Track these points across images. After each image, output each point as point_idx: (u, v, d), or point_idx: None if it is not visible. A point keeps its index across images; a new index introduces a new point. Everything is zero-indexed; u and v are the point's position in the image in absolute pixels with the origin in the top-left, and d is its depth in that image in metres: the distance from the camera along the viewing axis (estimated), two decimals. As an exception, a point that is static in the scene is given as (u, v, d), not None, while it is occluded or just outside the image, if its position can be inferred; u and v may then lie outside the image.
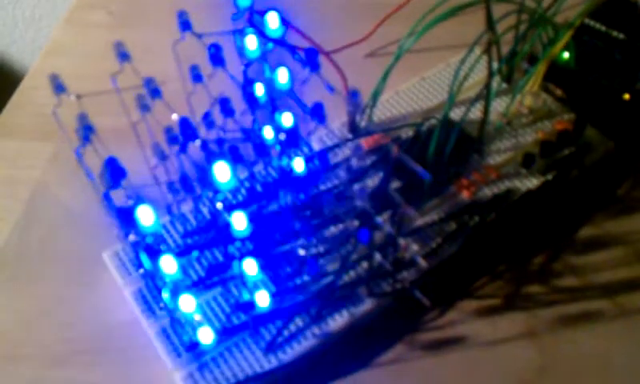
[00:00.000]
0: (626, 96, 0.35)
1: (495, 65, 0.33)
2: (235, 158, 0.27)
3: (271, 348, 0.27)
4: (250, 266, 0.24)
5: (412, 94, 0.37)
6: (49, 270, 0.32)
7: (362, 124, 0.35)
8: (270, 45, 0.25)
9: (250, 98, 0.25)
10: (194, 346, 0.27)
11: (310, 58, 0.25)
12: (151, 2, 0.46)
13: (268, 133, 0.28)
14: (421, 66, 0.37)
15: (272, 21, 0.25)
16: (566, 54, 0.37)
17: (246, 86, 0.25)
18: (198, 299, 0.28)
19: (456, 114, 0.33)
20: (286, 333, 0.28)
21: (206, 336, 0.26)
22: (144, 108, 0.25)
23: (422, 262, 0.26)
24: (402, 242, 0.26)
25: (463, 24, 0.31)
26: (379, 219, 0.26)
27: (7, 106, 0.41)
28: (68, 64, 0.43)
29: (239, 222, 0.23)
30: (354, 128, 0.34)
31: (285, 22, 0.25)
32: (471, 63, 0.31)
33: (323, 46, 0.39)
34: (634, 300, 0.29)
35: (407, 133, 0.34)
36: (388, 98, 0.36)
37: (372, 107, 0.34)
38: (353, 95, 0.24)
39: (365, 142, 0.34)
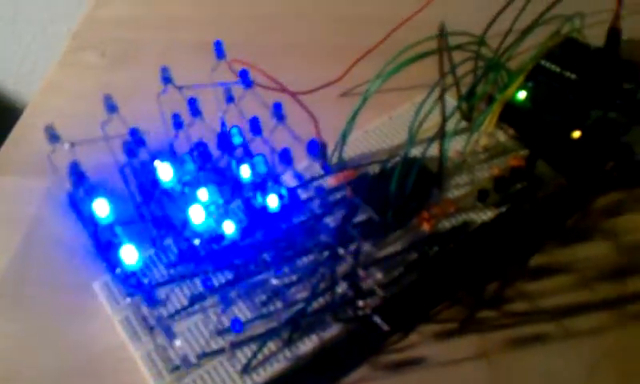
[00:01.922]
0: (576, 134, 0.38)
1: (451, 108, 0.36)
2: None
3: (246, 370, 0.30)
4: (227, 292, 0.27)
5: (380, 132, 0.40)
6: (44, 299, 0.35)
7: (334, 161, 0.37)
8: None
9: (224, 143, 0.28)
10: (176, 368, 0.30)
11: (277, 111, 0.29)
12: (142, 45, 0.50)
13: (244, 173, 0.31)
14: (389, 105, 0.40)
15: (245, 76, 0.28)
16: (522, 95, 0.40)
17: (221, 134, 0.28)
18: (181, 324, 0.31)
19: (420, 152, 0.35)
20: (260, 356, 0.30)
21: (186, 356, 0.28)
22: (130, 154, 0.28)
23: (379, 291, 0.29)
24: (361, 272, 0.29)
25: (429, 66, 0.34)
26: (342, 251, 0.29)
27: (5, 143, 0.44)
28: (63, 103, 0.46)
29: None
30: (325, 165, 0.37)
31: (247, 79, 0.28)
32: (430, 105, 0.34)
33: (301, 87, 0.42)
34: (578, 322, 0.32)
35: (374, 169, 0.37)
36: (358, 136, 0.39)
37: (342, 146, 0.37)
38: (312, 144, 0.27)
39: (335, 179, 0.37)
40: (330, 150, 0.37)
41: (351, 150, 0.39)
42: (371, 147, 0.39)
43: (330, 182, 0.36)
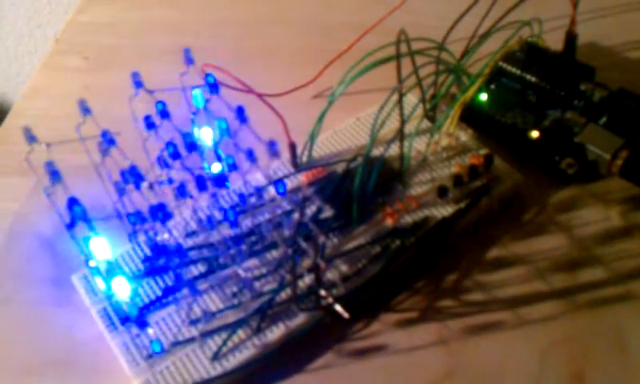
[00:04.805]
0: (534, 134, 0.40)
1: (409, 111, 0.38)
2: (182, 194, 0.31)
3: (217, 357, 0.32)
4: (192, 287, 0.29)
5: (348, 133, 0.41)
6: (26, 292, 0.36)
7: (303, 160, 0.39)
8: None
9: (189, 144, 0.30)
10: (150, 356, 0.31)
11: (240, 114, 0.30)
12: (121, 49, 0.51)
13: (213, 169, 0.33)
14: (357, 107, 0.42)
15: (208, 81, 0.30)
16: (484, 96, 0.42)
17: (185, 135, 0.30)
18: (154, 314, 0.33)
19: (391, 151, 0.37)
20: (230, 343, 0.32)
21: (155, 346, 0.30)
22: (104, 153, 0.29)
23: (340, 283, 0.31)
24: (322, 264, 0.31)
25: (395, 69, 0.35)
26: (304, 245, 0.31)
27: (-10, 144, 0.45)
28: (46, 105, 0.47)
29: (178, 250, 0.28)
30: (296, 163, 0.39)
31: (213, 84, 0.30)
32: (391, 107, 0.36)
33: (275, 90, 0.44)
34: (531, 312, 0.34)
35: (342, 167, 0.39)
36: (327, 136, 0.41)
37: (311, 146, 0.39)
38: (271, 144, 0.29)
39: (305, 176, 0.38)
40: (300, 149, 0.39)
41: (321, 150, 0.40)
42: (339, 147, 0.41)
43: (299, 179, 0.38)
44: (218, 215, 0.33)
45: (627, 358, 0.32)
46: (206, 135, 0.31)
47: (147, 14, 0.55)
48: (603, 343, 0.33)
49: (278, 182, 0.31)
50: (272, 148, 0.28)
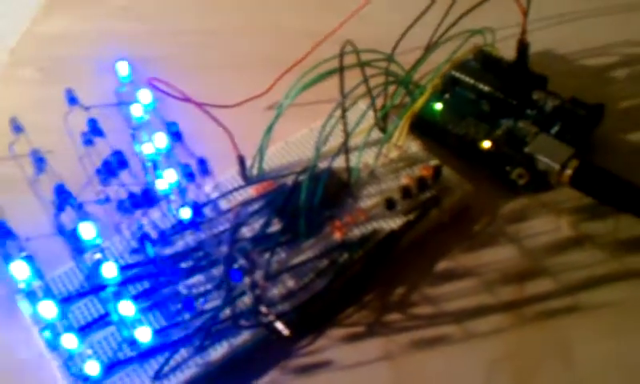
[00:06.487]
0: (486, 144, 0.40)
1: (365, 117, 0.37)
2: (125, 210, 0.31)
3: (158, 376, 0.31)
4: (127, 307, 0.28)
5: (300, 144, 0.41)
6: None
7: (254, 173, 0.39)
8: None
9: (122, 163, 0.29)
10: (87, 379, 0.31)
11: (174, 134, 0.30)
12: (77, 60, 0.51)
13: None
14: (311, 117, 0.42)
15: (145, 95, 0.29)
16: (439, 106, 0.42)
17: (117, 152, 0.29)
18: (89, 337, 0.32)
19: (341, 163, 0.37)
20: (172, 362, 0.32)
21: (93, 369, 0.30)
22: (39, 170, 0.29)
23: (282, 299, 0.31)
24: (260, 281, 0.30)
25: (350, 78, 0.35)
26: (242, 262, 0.31)
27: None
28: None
29: (109, 270, 0.27)
30: (245, 176, 0.39)
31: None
32: (334, 123, 0.35)
33: (232, 100, 0.43)
34: (478, 325, 0.34)
35: (292, 179, 0.38)
36: (279, 147, 0.41)
37: (260, 159, 0.38)
38: (200, 162, 0.29)
39: (255, 189, 0.38)
40: (250, 162, 0.39)
41: (272, 162, 0.40)
42: (291, 158, 0.40)
43: (248, 193, 0.38)
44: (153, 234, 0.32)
45: (574, 371, 0.32)
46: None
47: (106, 26, 0.54)
48: (550, 356, 0.32)
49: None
50: (203, 166, 0.28)
